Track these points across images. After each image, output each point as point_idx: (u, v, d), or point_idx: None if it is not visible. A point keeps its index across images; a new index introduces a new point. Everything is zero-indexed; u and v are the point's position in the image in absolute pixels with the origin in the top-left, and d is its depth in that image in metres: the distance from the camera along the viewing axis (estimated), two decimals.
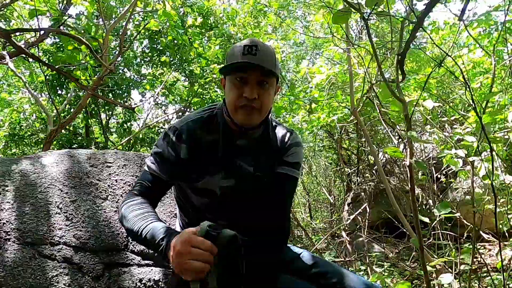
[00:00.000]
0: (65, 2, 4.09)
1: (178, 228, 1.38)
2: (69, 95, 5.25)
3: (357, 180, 5.19)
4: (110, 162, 1.60)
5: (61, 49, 4.56)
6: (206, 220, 1.17)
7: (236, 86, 1.15)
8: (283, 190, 1.27)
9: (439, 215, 1.72)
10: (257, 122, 1.19)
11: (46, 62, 3.93)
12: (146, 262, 1.42)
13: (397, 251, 3.84)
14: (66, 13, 4.01)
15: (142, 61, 6.33)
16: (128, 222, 1.07)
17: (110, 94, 5.64)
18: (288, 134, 1.31)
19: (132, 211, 1.09)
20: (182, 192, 1.29)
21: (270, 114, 1.28)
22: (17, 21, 5.07)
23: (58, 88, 5.43)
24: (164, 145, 1.21)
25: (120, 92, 5.74)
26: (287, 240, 1.30)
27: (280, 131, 1.32)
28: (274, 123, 1.34)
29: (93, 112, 6.04)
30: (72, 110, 5.04)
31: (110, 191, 1.50)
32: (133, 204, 1.11)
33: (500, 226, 2.12)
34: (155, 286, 1.38)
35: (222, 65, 1.17)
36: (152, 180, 1.19)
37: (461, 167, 2.05)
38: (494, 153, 1.68)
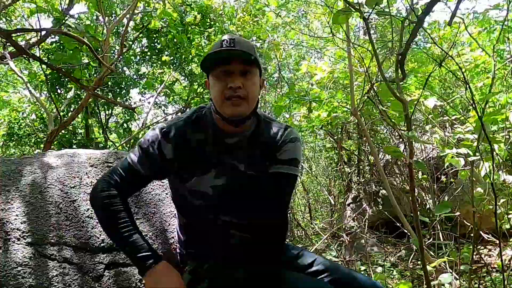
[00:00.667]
0: (66, 2, 4.09)
1: (177, 228, 1.38)
2: (68, 94, 5.25)
3: (357, 180, 5.19)
4: (110, 162, 1.60)
5: (62, 48, 4.56)
6: (203, 220, 1.25)
7: (220, 79, 1.16)
8: (279, 189, 1.24)
9: (439, 215, 1.72)
10: (245, 113, 1.17)
11: (47, 61, 3.93)
12: None
13: (397, 251, 3.83)
14: (68, 13, 4.01)
15: (142, 60, 6.33)
16: (106, 216, 1.14)
17: (110, 94, 5.64)
18: (281, 130, 1.27)
19: (113, 211, 1.13)
20: (178, 195, 1.29)
21: (257, 108, 1.26)
22: (18, 20, 5.07)
23: (58, 87, 5.43)
24: (149, 141, 1.21)
25: (119, 91, 5.74)
26: (284, 239, 1.29)
27: (273, 128, 1.28)
28: (267, 120, 1.30)
29: (93, 111, 6.04)
30: (72, 109, 5.04)
31: None
32: (113, 203, 1.14)
33: (503, 226, 2.12)
34: None
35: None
36: (130, 172, 1.20)
37: (462, 167, 2.05)
38: (494, 153, 1.67)
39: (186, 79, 6.37)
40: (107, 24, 3.96)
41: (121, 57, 5.06)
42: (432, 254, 2.65)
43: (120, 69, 5.88)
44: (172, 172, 1.24)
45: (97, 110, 6.07)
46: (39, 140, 6.07)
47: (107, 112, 6.35)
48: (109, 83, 5.36)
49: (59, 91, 5.53)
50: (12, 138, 6.16)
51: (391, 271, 3.16)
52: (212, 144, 1.23)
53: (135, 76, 6.41)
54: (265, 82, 1.31)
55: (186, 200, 1.26)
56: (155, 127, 1.24)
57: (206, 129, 1.23)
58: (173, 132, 1.21)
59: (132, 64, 6.24)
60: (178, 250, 1.39)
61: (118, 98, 5.76)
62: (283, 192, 1.25)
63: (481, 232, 2.65)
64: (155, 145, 1.20)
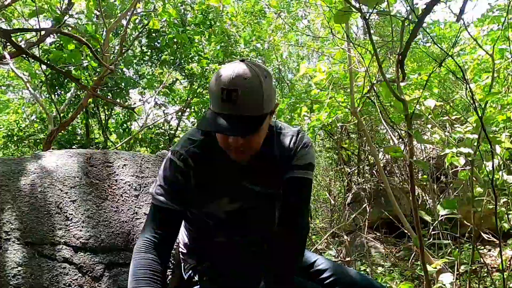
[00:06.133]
0: (66, 2, 4.09)
1: (183, 228, 1.39)
2: (69, 94, 5.26)
3: (357, 180, 5.18)
4: (110, 162, 1.60)
5: (62, 48, 4.56)
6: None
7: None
8: (297, 194, 1.21)
9: (441, 215, 1.72)
10: (250, 156, 1.14)
11: (47, 61, 3.93)
12: None
13: (397, 251, 3.84)
14: (67, 13, 4.01)
15: (142, 60, 6.32)
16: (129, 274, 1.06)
17: (110, 94, 5.64)
18: (294, 138, 1.23)
19: (132, 275, 1.06)
20: (190, 214, 1.28)
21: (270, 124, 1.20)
22: (18, 20, 5.07)
23: (57, 88, 5.42)
24: (172, 172, 1.15)
25: (120, 91, 5.74)
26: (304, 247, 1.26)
27: (286, 137, 1.24)
28: (278, 130, 1.25)
29: (93, 112, 6.04)
30: (72, 110, 5.04)
31: (110, 191, 1.50)
32: (136, 265, 1.07)
33: (505, 225, 2.11)
34: None
35: (199, 122, 1.07)
36: (165, 216, 1.13)
37: (462, 166, 2.05)
38: (494, 153, 1.67)
39: (186, 79, 6.37)
40: (107, 24, 3.96)
41: (121, 57, 5.06)
42: (432, 254, 2.65)
43: (120, 70, 5.87)
44: (192, 200, 1.19)
45: (96, 111, 6.07)
46: (38, 141, 6.07)
47: (106, 113, 6.35)
48: (109, 83, 5.36)
49: (59, 91, 5.53)
50: (12, 140, 6.15)
51: (391, 271, 3.16)
52: (227, 169, 1.19)
53: (134, 76, 6.40)
54: (278, 105, 1.21)
55: (198, 218, 1.26)
56: (171, 156, 1.17)
57: (220, 153, 1.17)
58: (191, 158, 1.15)
59: (132, 64, 6.23)
60: (180, 249, 1.40)
61: (118, 98, 5.75)
62: (302, 197, 1.21)
63: (481, 232, 2.64)
64: (180, 174, 1.14)
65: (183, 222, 1.37)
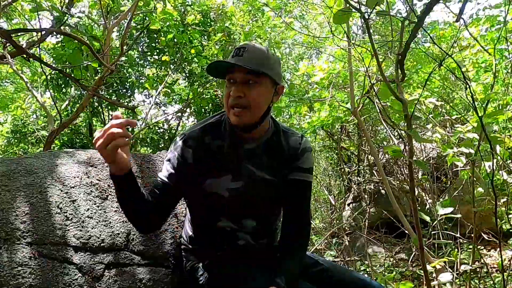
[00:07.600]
0: (67, 1, 4.09)
1: (186, 222, 1.40)
2: (69, 95, 5.25)
3: (357, 180, 5.18)
4: None
5: (64, 48, 4.55)
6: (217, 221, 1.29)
7: (227, 87, 1.20)
8: (303, 197, 1.30)
9: (440, 216, 1.72)
10: (249, 122, 1.20)
11: (50, 60, 3.93)
12: (146, 262, 1.42)
13: (397, 251, 3.83)
14: (68, 13, 4.01)
15: (144, 61, 6.33)
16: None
17: (114, 94, 5.65)
18: (299, 139, 1.33)
19: None
20: (192, 197, 1.31)
21: (268, 115, 1.26)
22: (19, 19, 5.06)
23: (63, 86, 5.42)
24: (173, 151, 1.24)
25: (124, 91, 5.75)
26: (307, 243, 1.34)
27: (291, 137, 1.33)
28: (284, 129, 1.35)
29: (96, 111, 6.05)
30: (75, 109, 5.04)
31: (110, 191, 1.50)
32: None
33: (504, 226, 2.11)
34: (155, 286, 1.38)
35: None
36: (160, 187, 1.22)
37: (463, 165, 2.05)
38: (494, 152, 1.67)
39: (186, 79, 6.37)
40: (108, 25, 3.96)
41: (123, 57, 5.06)
42: (432, 254, 2.65)
43: (124, 70, 5.87)
44: (191, 177, 1.25)
45: (100, 110, 6.08)
46: (41, 138, 6.07)
47: (110, 112, 6.36)
48: (114, 83, 5.38)
49: (64, 90, 5.53)
50: (16, 136, 6.17)
51: (391, 271, 3.16)
52: (230, 149, 1.25)
53: (139, 77, 6.40)
54: (284, 88, 1.32)
55: (199, 202, 1.29)
56: (176, 138, 1.29)
57: (225, 134, 1.26)
58: (192, 138, 1.25)
59: (138, 67, 6.24)
60: (183, 246, 1.41)
61: (122, 98, 5.77)
62: (306, 199, 1.31)
63: (481, 232, 2.64)
64: (178, 152, 1.23)
65: (188, 215, 1.38)
